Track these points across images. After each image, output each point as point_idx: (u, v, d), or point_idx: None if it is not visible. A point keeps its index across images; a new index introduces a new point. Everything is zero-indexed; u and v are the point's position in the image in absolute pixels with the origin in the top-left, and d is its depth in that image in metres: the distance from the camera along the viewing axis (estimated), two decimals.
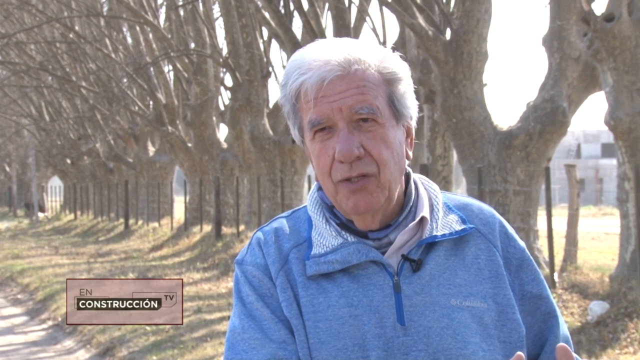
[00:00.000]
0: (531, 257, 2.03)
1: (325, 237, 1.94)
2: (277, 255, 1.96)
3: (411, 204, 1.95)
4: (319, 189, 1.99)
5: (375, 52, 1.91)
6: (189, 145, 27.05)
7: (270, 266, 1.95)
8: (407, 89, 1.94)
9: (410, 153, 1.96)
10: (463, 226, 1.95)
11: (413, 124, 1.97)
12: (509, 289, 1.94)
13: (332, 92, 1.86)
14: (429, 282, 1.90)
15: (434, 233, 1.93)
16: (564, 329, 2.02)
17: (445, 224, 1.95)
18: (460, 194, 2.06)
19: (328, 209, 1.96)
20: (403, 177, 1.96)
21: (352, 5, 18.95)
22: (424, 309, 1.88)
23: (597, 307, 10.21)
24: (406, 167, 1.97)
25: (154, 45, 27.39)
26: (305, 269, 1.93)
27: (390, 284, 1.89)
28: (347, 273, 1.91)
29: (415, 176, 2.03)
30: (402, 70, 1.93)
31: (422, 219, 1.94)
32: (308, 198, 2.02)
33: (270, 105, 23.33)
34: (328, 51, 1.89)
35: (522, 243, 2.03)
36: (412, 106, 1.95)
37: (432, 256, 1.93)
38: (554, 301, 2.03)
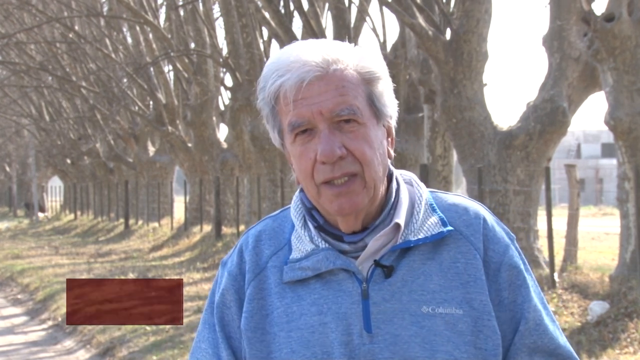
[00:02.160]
0: (516, 261, 1.93)
1: (302, 242, 1.93)
2: (254, 262, 1.96)
3: (389, 206, 1.91)
4: (301, 190, 1.96)
5: (353, 52, 1.89)
6: (189, 145, 27.05)
7: (246, 274, 1.96)
8: (385, 87, 1.91)
9: (392, 152, 1.94)
10: (441, 229, 1.90)
11: (393, 123, 1.95)
12: (487, 294, 1.87)
13: (312, 93, 1.84)
14: (401, 288, 1.87)
15: (409, 238, 1.89)
16: (544, 341, 1.91)
17: (424, 228, 1.90)
18: (453, 194, 2.00)
19: (307, 212, 1.94)
20: (386, 177, 1.93)
21: (352, 5, 18.95)
22: (392, 316, 1.85)
23: (597, 307, 10.21)
24: (390, 166, 1.95)
25: (154, 45, 27.40)
26: (282, 275, 1.92)
27: (358, 291, 1.87)
28: (321, 279, 1.90)
29: (400, 173, 2.00)
30: (381, 70, 1.91)
31: (397, 224, 1.90)
32: (292, 200, 2.00)
33: None
34: (306, 52, 1.86)
35: (506, 242, 1.93)
36: (391, 105, 1.92)
37: (406, 261, 1.88)
38: (537, 309, 1.92)
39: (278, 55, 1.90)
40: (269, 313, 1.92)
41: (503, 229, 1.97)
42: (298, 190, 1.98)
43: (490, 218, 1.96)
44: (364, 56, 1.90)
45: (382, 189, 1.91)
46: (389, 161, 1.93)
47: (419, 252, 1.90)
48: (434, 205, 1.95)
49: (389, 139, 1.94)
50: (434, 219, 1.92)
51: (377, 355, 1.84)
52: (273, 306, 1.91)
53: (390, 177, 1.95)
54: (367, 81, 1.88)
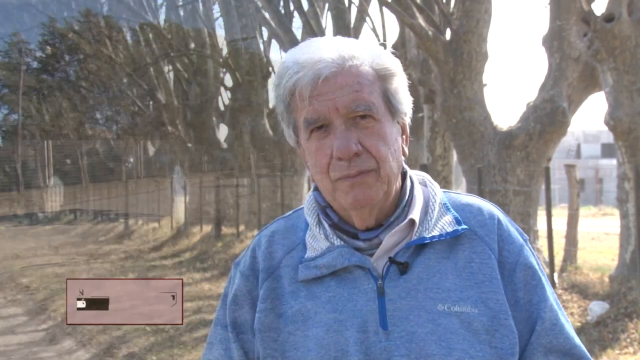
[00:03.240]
0: (531, 261, 1.93)
1: (317, 240, 1.92)
2: (267, 262, 1.95)
3: (404, 203, 1.91)
4: (315, 189, 1.96)
5: (368, 48, 1.89)
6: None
7: (260, 274, 1.95)
8: (400, 84, 1.91)
9: (406, 149, 1.94)
10: (455, 227, 1.90)
11: (407, 120, 1.94)
12: (502, 293, 1.87)
13: (327, 90, 1.83)
14: (416, 285, 1.86)
15: (424, 235, 1.88)
16: (560, 341, 1.91)
17: (438, 225, 1.90)
18: (465, 194, 2.01)
19: (322, 210, 1.94)
20: (400, 174, 1.93)
21: (352, 5, 18.96)
22: (408, 313, 1.84)
23: (597, 307, 10.21)
24: (403, 164, 1.94)
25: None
26: (297, 274, 1.91)
27: (374, 288, 1.86)
28: (336, 277, 1.89)
29: (414, 174, 1.99)
30: (396, 67, 1.91)
31: (412, 220, 1.90)
32: (306, 199, 2.00)
33: (270, 105, 23.35)
34: (321, 49, 1.86)
35: (520, 242, 1.94)
36: (406, 102, 1.92)
37: (421, 259, 1.88)
38: (552, 309, 1.92)
39: (293, 52, 1.89)
40: (283, 312, 1.91)
41: (516, 230, 1.97)
42: (311, 189, 1.98)
43: (504, 218, 1.97)
44: (379, 53, 1.90)
45: (396, 185, 1.91)
46: (403, 159, 1.93)
47: (434, 250, 1.89)
48: (448, 204, 1.95)
49: (404, 137, 1.93)
50: (448, 218, 1.92)
51: (393, 352, 1.83)
52: (287, 305, 1.90)
53: (404, 175, 1.95)
54: (383, 78, 1.88)
